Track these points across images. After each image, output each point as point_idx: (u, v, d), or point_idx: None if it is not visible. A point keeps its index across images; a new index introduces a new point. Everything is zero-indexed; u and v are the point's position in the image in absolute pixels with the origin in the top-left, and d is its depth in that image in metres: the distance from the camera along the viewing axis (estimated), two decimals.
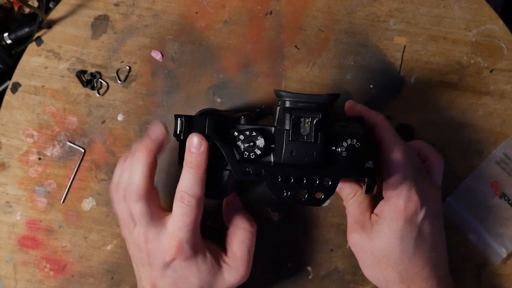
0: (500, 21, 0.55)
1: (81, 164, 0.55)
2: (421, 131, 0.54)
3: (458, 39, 0.55)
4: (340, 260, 0.54)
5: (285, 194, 0.40)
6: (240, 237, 0.47)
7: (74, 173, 0.55)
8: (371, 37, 0.55)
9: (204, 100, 0.55)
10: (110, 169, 0.55)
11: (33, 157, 0.55)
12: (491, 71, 0.54)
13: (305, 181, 0.40)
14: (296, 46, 0.55)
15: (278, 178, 0.40)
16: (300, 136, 0.40)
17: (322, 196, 0.40)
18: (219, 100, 0.55)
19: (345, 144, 0.41)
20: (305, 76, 0.55)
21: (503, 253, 0.52)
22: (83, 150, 0.55)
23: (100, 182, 0.55)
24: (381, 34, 0.55)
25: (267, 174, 0.40)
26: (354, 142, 0.41)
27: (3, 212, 0.55)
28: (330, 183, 0.40)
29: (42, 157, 0.55)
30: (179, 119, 0.42)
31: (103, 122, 0.55)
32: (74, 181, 0.55)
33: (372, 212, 0.47)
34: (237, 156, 0.41)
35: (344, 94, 0.55)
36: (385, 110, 0.55)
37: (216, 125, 0.43)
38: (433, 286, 0.45)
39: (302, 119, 0.40)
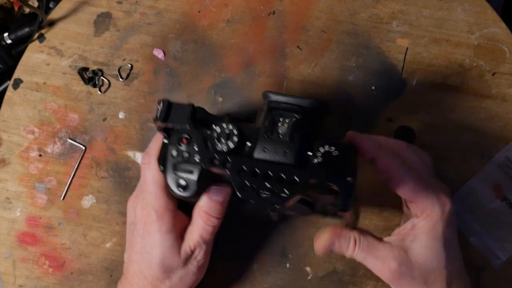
0: (503, 25, 0.54)
1: (82, 161, 0.55)
2: (422, 134, 0.54)
3: (461, 42, 0.55)
4: (339, 261, 0.54)
5: (249, 189, 0.37)
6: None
7: (74, 170, 0.55)
8: (374, 39, 0.55)
9: (206, 99, 0.55)
10: (110, 167, 0.55)
11: (34, 154, 0.55)
12: (493, 74, 0.54)
13: (271, 178, 0.37)
14: (298, 47, 0.55)
15: (244, 170, 0.38)
16: (275, 134, 0.38)
17: (287, 194, 0.37)
18: (220, 99, 0.55)
19: (321, 149, 0.38)
20: (307, 76, 0.55)
21: (504, 256, 0.52)
22: (83, 148, 0.55)
23: (101, 180, 0.55)
24: (384, 36, 0.55)
25: (234, 165, 0.38)
26: (332, 150, 0.37)
27: (3, 208, 0.55)
28: (298, 181, 0.37)
29: (42, 154, 0.55)
30: (159, 104, 0.41)
31: (104, 119, 0.55)
32: (74, 178, 0.55)
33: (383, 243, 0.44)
34: (210, 148, 0.39)
35: (346, 96, 0.54)
36: (387, 112, 0.54)
37: (196, 115, 0.41)
38: (467, 283, 0.44)
39: (281, 119, 0.38)
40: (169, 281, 0.46)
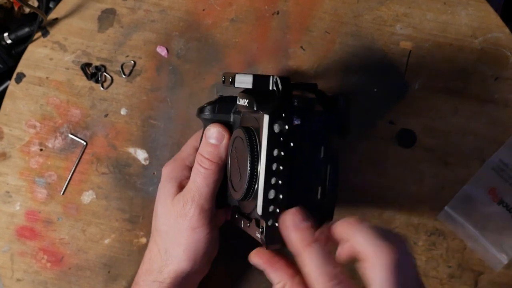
0: (507, 30, 0.55)
1: (82, 156, 0.55)
2: (424, 137, 0.54)
3: (464, 46, 0.55)
4: None
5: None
6: None
7: (75, 165, 0.55)
8: (377, 41, 0.55)
9: (208, 97, 0.55)
10: (111, 163, 0.55)
11: (35, 148, 0.55)
12: (496, 79, 0.54)
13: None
14: (301, 47, 0.55)
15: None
16: None
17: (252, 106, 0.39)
18: None
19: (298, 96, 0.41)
20: (310, 77, 0.55)
21: (504, 259, 0.52)
22: (84, 143, 0.55)
23: (101, 176, 0.55)
24: (387, 38, 0.55)
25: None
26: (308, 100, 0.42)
27: (2, 202, 0.55)
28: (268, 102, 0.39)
29: (43, 148, 0.55)
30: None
31: (106, 115, 0.55)
32: (74, 174, 0.55)
33: None
34: None
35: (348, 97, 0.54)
36: (388, 114, 0.54)
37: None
38: None
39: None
40: (164, 233, 0.46)
